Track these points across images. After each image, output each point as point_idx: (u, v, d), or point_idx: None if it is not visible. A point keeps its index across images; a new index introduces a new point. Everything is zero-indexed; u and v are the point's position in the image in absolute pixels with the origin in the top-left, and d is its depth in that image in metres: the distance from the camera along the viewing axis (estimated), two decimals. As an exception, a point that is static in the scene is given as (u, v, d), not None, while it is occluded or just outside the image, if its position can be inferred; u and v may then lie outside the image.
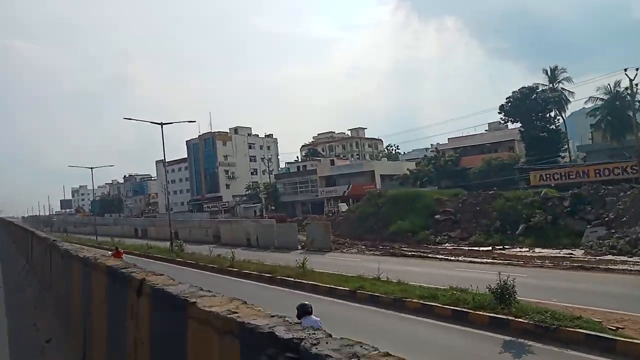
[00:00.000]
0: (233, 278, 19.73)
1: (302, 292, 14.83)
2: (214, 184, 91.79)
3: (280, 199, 65.61)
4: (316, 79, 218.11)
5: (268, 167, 77.45)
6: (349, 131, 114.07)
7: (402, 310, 12.50)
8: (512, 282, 11.09)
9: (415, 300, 12.44)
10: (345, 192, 57.88)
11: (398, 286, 13.84)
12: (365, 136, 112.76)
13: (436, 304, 11.89)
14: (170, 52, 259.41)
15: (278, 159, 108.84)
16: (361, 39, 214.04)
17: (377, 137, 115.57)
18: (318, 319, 6.40)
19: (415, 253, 24.27)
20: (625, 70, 30.13)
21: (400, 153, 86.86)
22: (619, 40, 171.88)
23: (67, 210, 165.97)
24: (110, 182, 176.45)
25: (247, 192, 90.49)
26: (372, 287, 14.05)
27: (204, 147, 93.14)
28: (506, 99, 51.32)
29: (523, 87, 52.11)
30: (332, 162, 63.20)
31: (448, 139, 74.12)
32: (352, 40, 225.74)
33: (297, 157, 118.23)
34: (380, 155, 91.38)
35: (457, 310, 11.38)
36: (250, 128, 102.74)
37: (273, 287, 17.04)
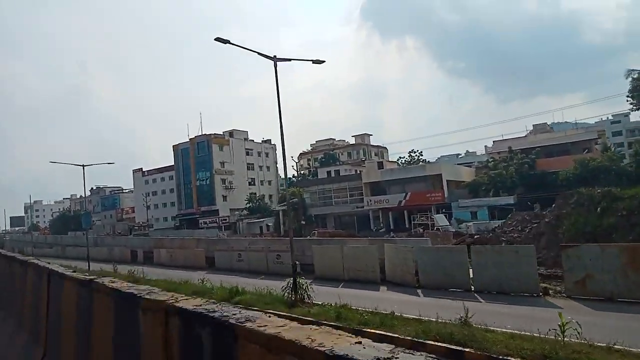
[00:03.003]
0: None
1: None
2: (209, 195, 77.86)
3: (307, 211, 53.19)
4: (281, 92, 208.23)
5: (282, 173, 64.70)
6: (353, 138, 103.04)
7: None
8: None
9: None
10: (401, 201, 46.39)
11: None
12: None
13: None
14: (128, 65, 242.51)
15: (277, 168, 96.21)
16: (326, 57, 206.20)
17: (382, 145, 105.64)
18: None
19: None
20: None
21: (426, 160, 76.32)
22: (569, 64, 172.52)
23: (19, 228, 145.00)
24: (69, 196, 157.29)
25: (248, 205, 77.30)
26: None
27: (197, 152, 79.30)
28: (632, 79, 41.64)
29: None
30: (380, 165, 51.71)
31: (493, 141, 64.71)
32: (316, 56, 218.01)
33: (294, 166, 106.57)
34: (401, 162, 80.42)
35: None
36: (247, 132, 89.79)
37: None
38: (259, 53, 13.99)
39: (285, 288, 14.77)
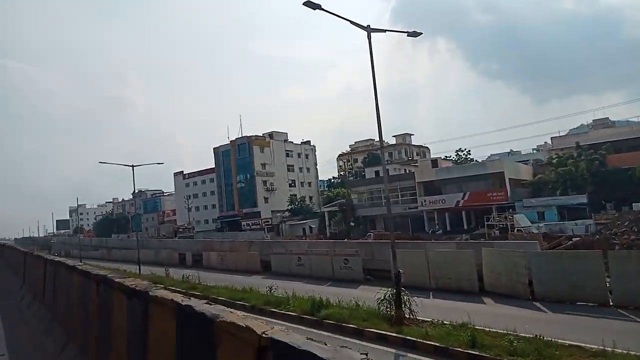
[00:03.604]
0: None
1: None
2: (250, 197, 76.66)
3: (355, 213, 50.74)
4: (310, 101, 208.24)
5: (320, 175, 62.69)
6: (394, 138, 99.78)
7: None
8: None
9: None
10: (459, 201, 43.30)
11: None
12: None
13: None
14: (165, 75, 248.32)
15: (317, 169, 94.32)
16: (354, 63, 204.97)
17: (424, 145, 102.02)
18: None
19: None
20: None
21: (474, 160, 72.29)
22: (608, 61, 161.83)
23: (64, 231, 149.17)
24: (112, 200, 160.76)
25: (289, 207, 75.60)
26: None
27: (237, 155, 78.31)
28: None
29: None
30: (435, 163, 48.74)
31: (551, 138, 60.49)
32: (345, 63, 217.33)
33: (340, 166, 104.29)
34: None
35: None
36: (286, 134, 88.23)
37: None
38: (351, 22, 11.84)
39: (382, 301, 12.41)
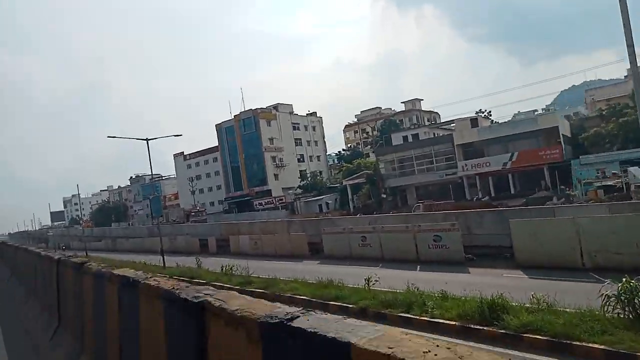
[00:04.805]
0: None
1: None
2: (259, 174, 71.77)
3: (386, 183, 46.16)
4: (299, 74, 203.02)
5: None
6: (402, 104, 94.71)
7: None
8: None
9: None
10: (506, 163, 38.84)
11: None
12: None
13: None
14: (144, 58, 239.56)
15: (325, 142, 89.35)
16: (342, 35, 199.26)
17: (433, 110, 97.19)
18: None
19: None
20: None
21: (494, 121, 67.50)
22: (593, 21, 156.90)
23: (58, 223, 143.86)
24: (106, 188, 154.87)
25: (302, 183, 70.91)
26: None
27: (243, 130, 72.93)
28: None
29: None
30: (475, 122, 43.90)
31: (585, 90, 56.06)
32: (333, 36, 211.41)
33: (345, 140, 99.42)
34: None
35: None
36: (292, 105, 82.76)
37: None
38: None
39: (610, 299, 7.83)
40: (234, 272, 19.81)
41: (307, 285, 14.65)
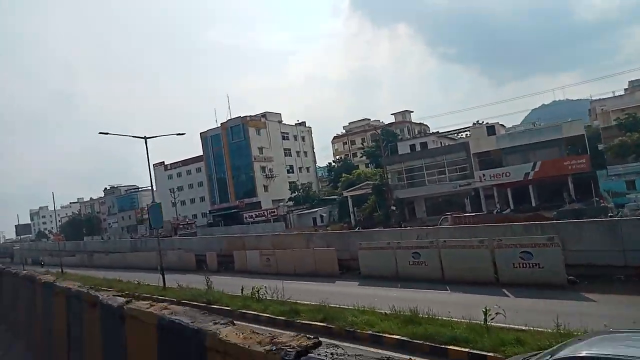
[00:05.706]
0: None
1: None
2: (248, 185, 67.69)
3: (394, 195, 42.95)
4: (274, 89, 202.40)
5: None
6: (392, 116, 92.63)
7: None
8: None
9: None
10: (528, 173, 36.28)
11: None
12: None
13: None
14: (117, 66, 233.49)
15: (314, 153, 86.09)
16: (316, 50, 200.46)
17: (422, 122, 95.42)
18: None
19: None
20: None
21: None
22: (561, 43, 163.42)
23: (24, 236, 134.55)
24: (76, 200, 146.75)
25: (293, 195, 67.16)
26: None
27: (230, 138, 68.86)
28: None
29: None
30: (492, 129, 41.16)
31: (590, 102, 54.77)
32: (307, 51, 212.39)
33: (333, 152, 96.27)
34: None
35: None
36: (280, 114, 79.36)
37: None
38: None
39: None
40: (261, 295, 15.99)
41: (385, 318, 10.98)
